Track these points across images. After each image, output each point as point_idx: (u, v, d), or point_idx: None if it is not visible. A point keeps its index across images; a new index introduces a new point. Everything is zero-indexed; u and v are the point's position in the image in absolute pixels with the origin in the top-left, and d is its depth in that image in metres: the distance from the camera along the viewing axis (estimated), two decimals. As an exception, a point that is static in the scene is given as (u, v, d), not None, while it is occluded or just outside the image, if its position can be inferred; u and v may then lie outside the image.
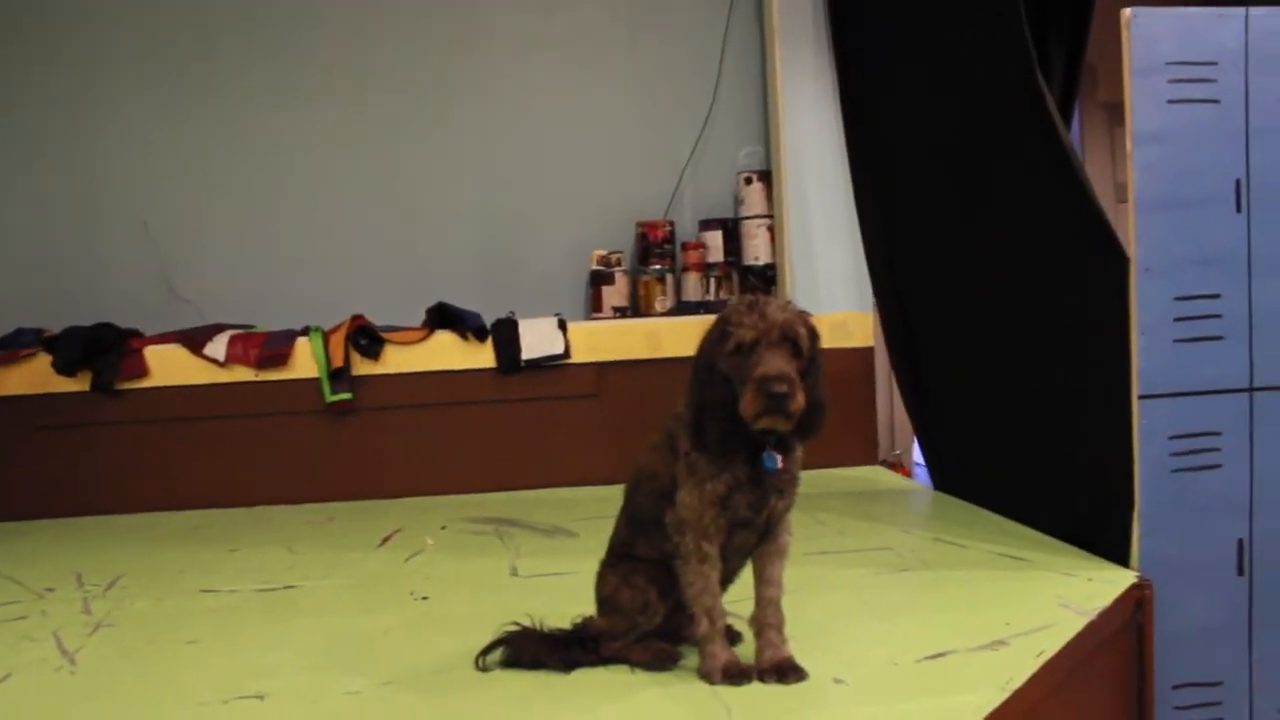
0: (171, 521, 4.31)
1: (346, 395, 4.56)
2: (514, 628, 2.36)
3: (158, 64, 4.96)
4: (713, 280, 5.03)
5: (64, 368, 4.47)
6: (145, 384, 4.54)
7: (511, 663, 2.32)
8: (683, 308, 5.03)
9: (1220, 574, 2.99)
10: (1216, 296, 2.95)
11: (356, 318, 4.67)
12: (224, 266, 5.01)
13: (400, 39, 5.07)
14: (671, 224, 5.08)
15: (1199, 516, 2.97)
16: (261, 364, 4.55)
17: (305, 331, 4.65)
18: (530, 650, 2.31)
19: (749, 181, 5.05)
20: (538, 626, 2.36)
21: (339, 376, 4.56)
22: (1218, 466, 2.97)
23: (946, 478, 4.27)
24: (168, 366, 4.55)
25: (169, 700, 2.29)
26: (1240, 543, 2.99)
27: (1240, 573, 3.00)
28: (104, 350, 4.52)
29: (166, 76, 4.96)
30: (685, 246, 5.09)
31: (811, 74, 4.86)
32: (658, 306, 5.00)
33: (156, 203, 4.96)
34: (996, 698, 2.11)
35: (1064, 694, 2.44)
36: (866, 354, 4.86)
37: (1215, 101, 2.93)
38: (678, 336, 4.50)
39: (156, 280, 4.94)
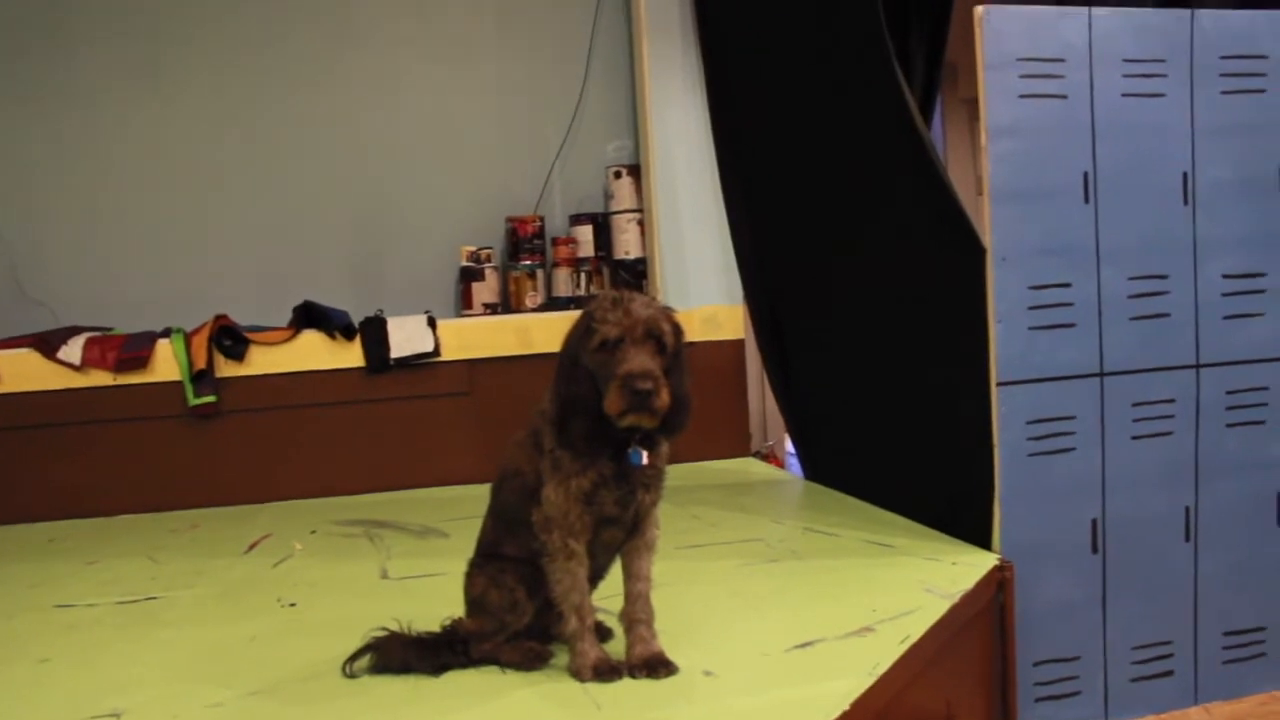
0: (25, 534, 4.13)
1: (210, 398, 4.44)
2: (382, 633, 2.32)
3: (9, 56, 4.74)
4: (583, 275, 5.03)
5: (-96, 375, 4.27)
6: (-4, 390, 4.35)
7: (380, 668, 2.29)
8: (554, 303, 5.02)
9: (1076, 553, 3.10)
10: (1068, 285, 3.06)
11: (219, 318, 4.54)
12: (78, 266, 4.81)
13: (264, 33, 4.94)
14: (541, 219, 5.06)
15: (1055, 498, 3.07)
16: (120, 367, 4.40)
17: (166, 333, 4.50)
18: (399, 655, 2.28)
19: (618, 176, 5.06)
20: (406, 630, 2.33)
21: (202, 379, 4.43)
22: (1071, 450, 3.08)
23: (817, 468, 4.34)
24: (19, 371, 4.36)
25: (18, 723, 2.21)
26: (1094, 522, 3.11)
27: (1094, 550, 3.11)
28: (-52, 356, 4.32)
29: (16, 71, 4.74)
30: (555, 242, 5.07)
31: (679, 68, 4.88)
32: (528, 303, 4.98)
33: (4, 200, 4.74)
34: (864, 683, 2.15)
35: (930, 676, 2.50)
36: (737, 346, 4.91)
37: (1063, 97, 3.04)
38: (549, 332, 4.46)
39: (4, 280, 4.73)
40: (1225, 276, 3.20)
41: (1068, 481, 3.08)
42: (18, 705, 2.31)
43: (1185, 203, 3.15)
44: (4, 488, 4.34)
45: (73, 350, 4.39)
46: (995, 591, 2.92)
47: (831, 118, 3.65)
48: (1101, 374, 3.10)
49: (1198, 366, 3.19)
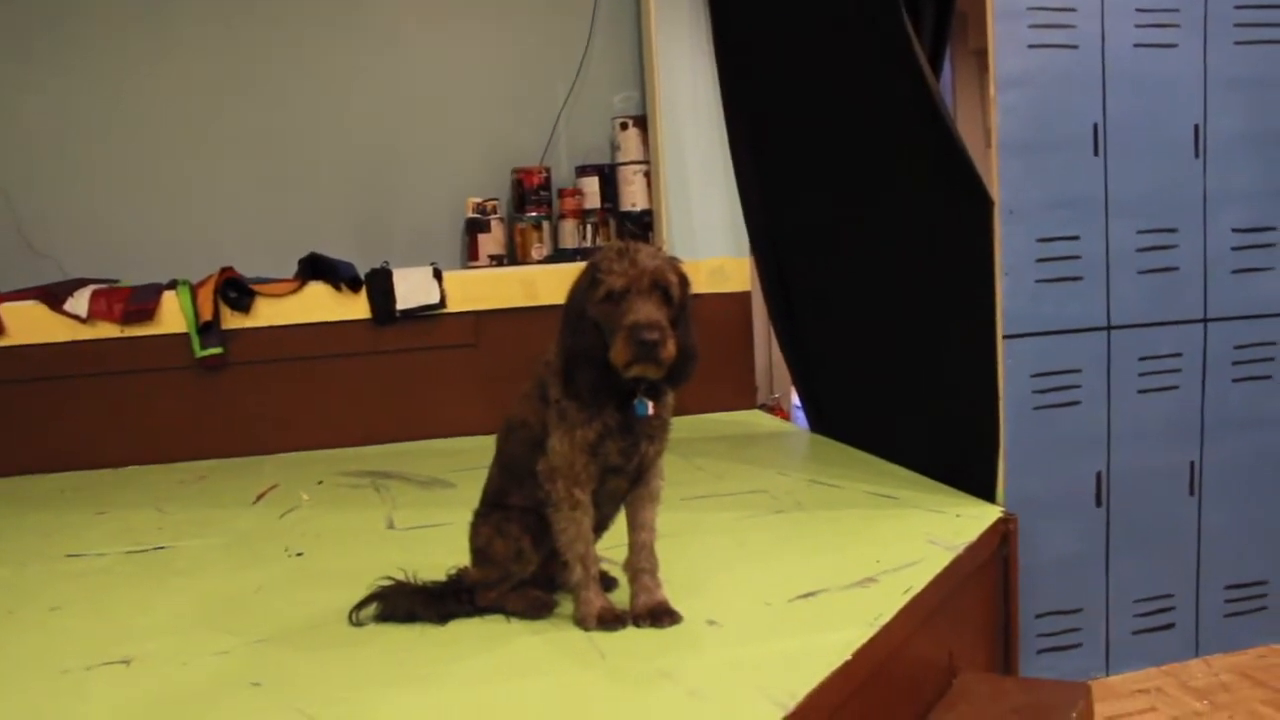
0: (35, 485, 4.17)
1: (216, 350, 4.45)
2: (388, 582, 2.34)
3: (9, 12, 4.70)
4: (589, 227, 5.01)
5: (-89, 326, 4.28)
6: (2, 343, 4.35)
7: (386, 617, 2.31)
8: (560, 255, 5.01)
9: (1080, 506, 3.11)
10: (1076, 238, 3.05)
11: (225, 270, 4.54)
12: (84, 219, 4.79)
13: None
14: (547, 170, 5.03)
15: (1060, 452, 3.08)
16: (127, 319, 4.40)
17: (172, 285, 4.50)
18: (404, 604, 2.30)
19: (625, 127, 5.03)
20: (412, 579, 2.35)
21: (208, 331, 4.44)
22: (1077, 403, 3.08)
23: (823, 420, 4.35)
24: (26, 324, 4.37)
25: (29, 669, 2.22)
26: (1098, 475, 3.11)
27: (1098, 504, 3.12)
28: (-46, 308, 4.33)
29: (20, 27, 4.70)
30: (561, 193, 5.05)
31: (686, 18, 4.84)
32: (534, 254, 4.96)
33: (10, 154, 4.72)
34: (866, 634, 2.16)
35: (932, 628, 2.52)
36: (744, 298, 4.91)
37: (1074, 47, 3.00)
38: (555, 284, 4.42)
39: (10, 233, 4.72)
40: (1235, 230, 3.18)
41: (1073, 435, 3.09)
42: (31, 651, 2.34)
43: (1196, 156, 3.13)
44: (13, 439, 4.36)
45: (79, 302, 4.39)
46: (999, 544, 2.94)
47: (840, 69, 3.61)
48: (1109, 328, 3.09)
49: (1205, 321, 3.18)
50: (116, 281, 4.59)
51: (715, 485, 3.51)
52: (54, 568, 3.00)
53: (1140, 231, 3.10)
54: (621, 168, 5.04)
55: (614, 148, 5.10)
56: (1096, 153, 3.03)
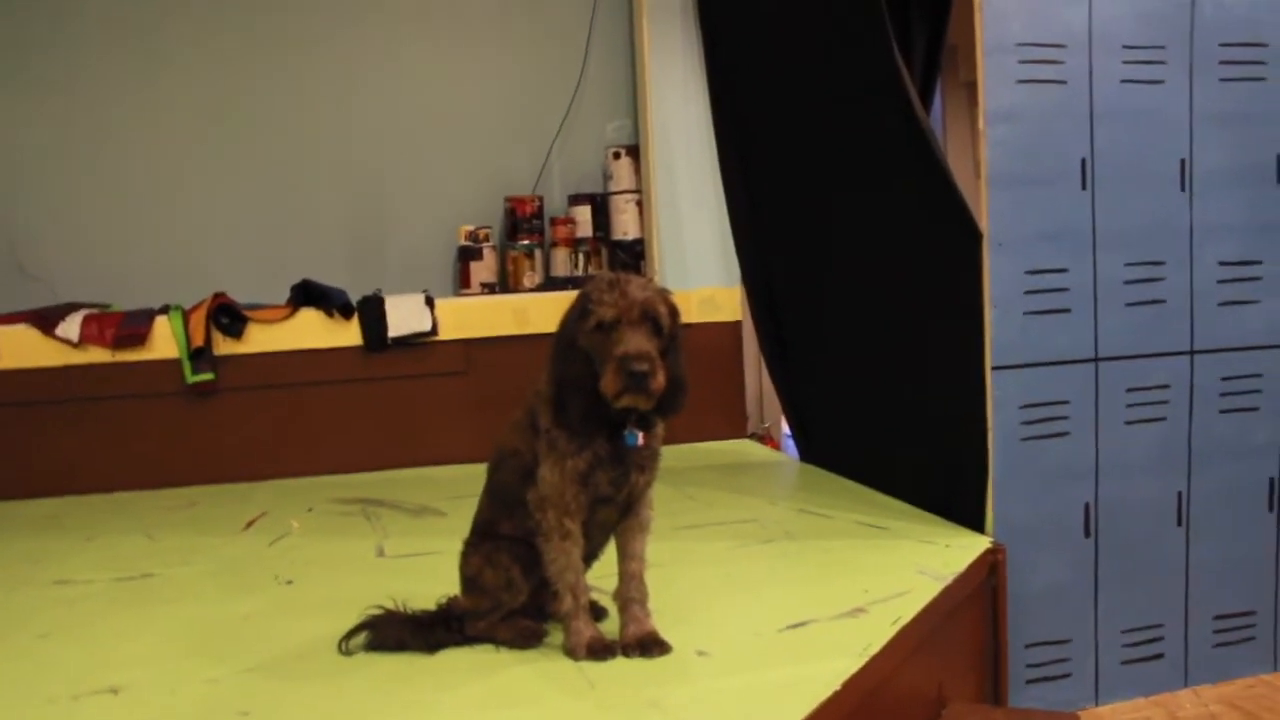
0: (23, 510, 4.14)
1: (208, 375, 4.45)
2: (378, 611, 2.34)
3: (2, 35, 4.73)
4: (582, 255, 5.03)
5: (-98, 351, 4.27)
6: (-8, 367, 4.36)
7: (375, 646, 2.30)
8: (551, 283, 5.02)
9: (1068, 537, 3.12)
10: (1064, 270, 3.07)
11: (218, 295, 4.54)
12: (76, 243, 4.80)
13: (262, 10, 4.92)
14: (540, 199, 5.06)
15: (1048, 482, 3.09)
16: (118, 344, 4.40)
17: (164, 310, 4.50)
18: (394, 633, 2.30)
19: (617, 156, 5.06)
20: (402, 608, 2.35)
21: (200, 356, 4.44)
22: (1065, 434, 3.10)
23: (813, 450, 4.36)
24: (17, 348, 4.37)
25: (15, 698, 2.21)
26: (1087, 506, 3.13)
27: (1086, 534, 3.13)
28: (-54, 332, 4.33)
29: (14, 50, 4.73)
30: (554, 221, 5.07)
31: (679, 48, 4.88)
32: (526, 282, 4.98)
33: (3, 177, 4.73)
34: (855, 664, 2.17)
35: (921, 658, 2.52)
36: (735, 328, 4.93)
37: (1063, 83, 3.04)
38: (547, 312, 4.47)
39: (3, 256, 4.72)
40: (1221, 264, 3.21)
41: (1061, 466, 3.10)
42: (19, 679, 2.33)
43: (1183, 189, 3.16)
44: (3, 463, 4.35)
45: (71, 327, 4.39)
46: (987, 574, 2.94)
47: (831, 101, 3.64)
48: (1096, 359, 3.12)
49: (1192, 353, 3.20)
50: (109, 306, 4.59)
51: (705, 515, 3.51)
52: (42, 594, 2.99)
53: (1128, 264, 3.13)
54: (614, 196, 5.07)
55: (606, 176, 5.13)
56: (1085, 186, 3.07)
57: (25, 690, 2.25)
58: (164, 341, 4.44)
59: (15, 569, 3.28)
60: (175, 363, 4.44)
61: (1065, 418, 3.10)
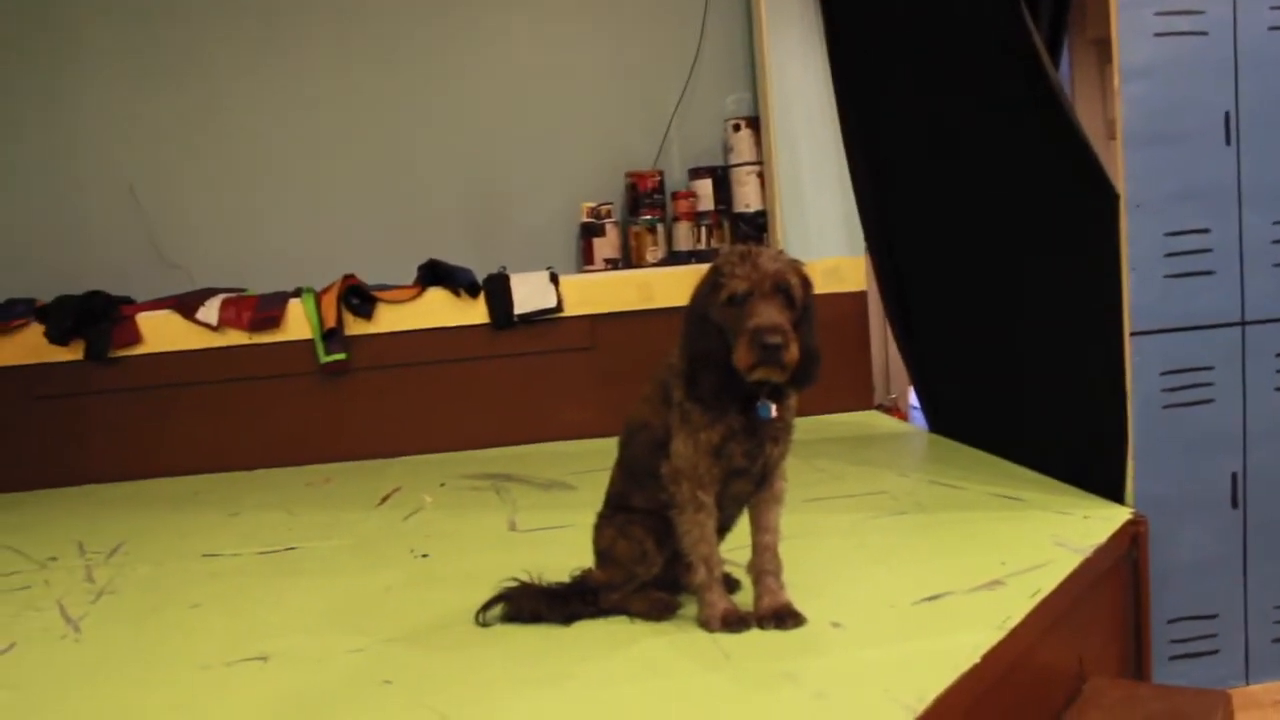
0: (170, 487, 4.32)
1: (340, 355, 4.56)
2: (513, 583, 2.37)
3: (137, 27, 4.89)
4: (704, 229, 5.02)
5: (56, 337, 4.46)
6: (139, 351, 4.53)
7: (511, 618, 2.34)
8: (674, 258, 5.02)
9: (1214, 508, 3.00)
10: (1206, 231, 2.94)
11: (348, 277, 4.65)
12: (213, 230, 4.98)
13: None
14: (660, 173, 5.06)
15: (1192, 451, 2.98)
16: (254, 327, 4.55)
17: (297, 293, 4.63)
18: (530, 605, 2.33)
19: (737, 128, 5.02)
20: (536, 581, 2.38)
21: (332, 337, 4.55)
22: (1210, 401, 2.98)
23: (942, 420, 4.28)
24: (161, 332, 4.55)
25: (173, 665, 2.31)
26: (1234, 476, 3.01)
27: (1234, 506, 3.01)
28: (96, 319, 4.51)
29: (146, 40, 4.90)
30: (675, 196, 5.06)
31: (797, 17, 4.81)
32: (649, 257, 4.99)
33: (141, 169, 4.92)
34: (994, 637, 2.13)
35: (1061, 631, 2.46)
36: (860, 298, 4.86)
37: (1203, 34, 2.90)
38: (670, 287, 4.49)
39: (144, 247, 4.91)
40: (1379, 219, 3.05)
41: (1206, 434, 2.98)
42: (174, 647, 2.43)
43: (1336, 142, 3.00)
44: (151, 443, 4.54)
45: (210, 311, 4.55)
46: (1129, 546, 2.86)
47: (955, 61, 3.56)
48: (1243, 323, 2.99)
49: (1347, 314, 3.05)
50: (244, 290, 4.74)
51: (835, 487, 3.48)
52: (191, 567, 3.11)
53: (1276, 222, 2.99)
54: (734, 169, 5.04)
55: (726, 149, 5.09)
56: (1229, 142, 2.93)
57: (181, 658, 2.35)
58: (297, 323, 4.57)
59: (167, 542, 3.42)
60: (309, 344, 4.56)
61: (1210, 384, 2.98)
